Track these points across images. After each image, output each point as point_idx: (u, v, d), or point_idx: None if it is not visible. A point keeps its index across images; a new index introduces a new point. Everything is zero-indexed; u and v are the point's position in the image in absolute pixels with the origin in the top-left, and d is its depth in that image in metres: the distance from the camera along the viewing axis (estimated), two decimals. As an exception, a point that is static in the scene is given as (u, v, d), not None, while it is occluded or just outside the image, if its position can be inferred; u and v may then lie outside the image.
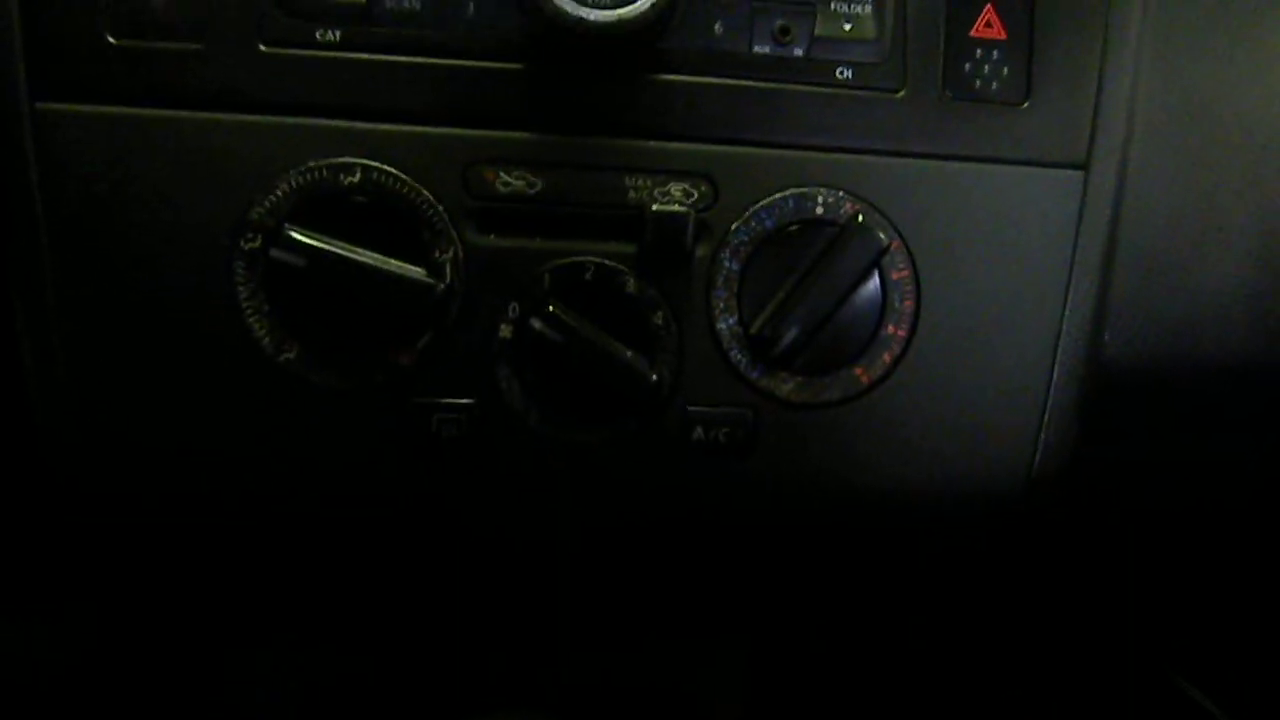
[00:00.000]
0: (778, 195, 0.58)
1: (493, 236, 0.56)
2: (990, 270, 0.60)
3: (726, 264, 0.58)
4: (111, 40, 0.53)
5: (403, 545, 0.82)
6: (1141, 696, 0.92)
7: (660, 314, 0.57)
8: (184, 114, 0.53)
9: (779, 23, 0.57)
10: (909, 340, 0.59)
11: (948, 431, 0.61)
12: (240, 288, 0.55)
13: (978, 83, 0.59)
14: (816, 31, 0.57)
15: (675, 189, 0.57)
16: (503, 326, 0.56)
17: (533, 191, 0.56)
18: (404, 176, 0.55)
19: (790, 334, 0.57)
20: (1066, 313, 0.61)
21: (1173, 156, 0.63)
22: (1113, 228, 0.61)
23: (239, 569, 0.87)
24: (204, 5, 0.53)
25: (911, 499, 0.61)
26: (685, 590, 0.81)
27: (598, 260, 0.57)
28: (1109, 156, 0.61)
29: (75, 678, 0.87)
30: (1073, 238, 0.60)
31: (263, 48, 0.54)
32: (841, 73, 0.57)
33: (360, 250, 0.54)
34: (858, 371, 0.59)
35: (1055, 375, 0.61)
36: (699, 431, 0.58)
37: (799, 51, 0.57)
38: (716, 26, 0.56)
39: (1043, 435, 0.61)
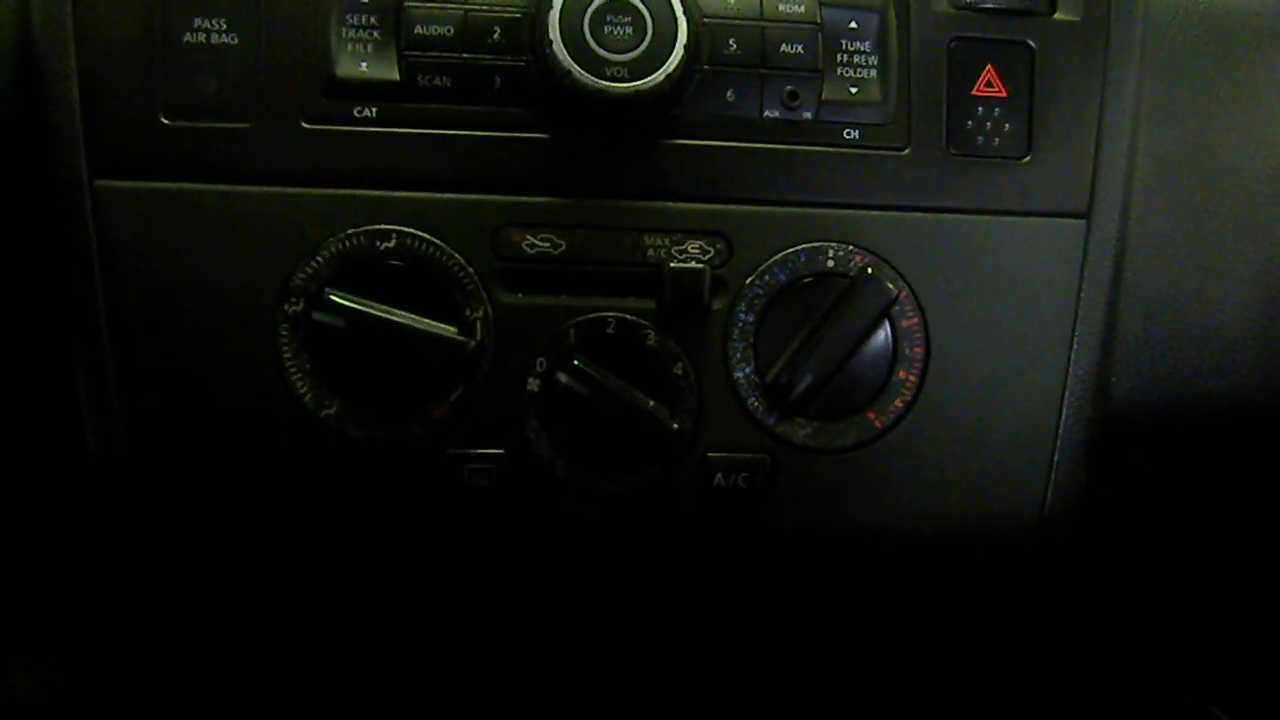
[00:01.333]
0: (790, 250, 0.60)
1: (520, 295, 0.59)
2: (997, 317, 0.62)
3: (742, 316, 0.60)
4: (165, 121, 0.57)
5: (432, 589, 0.84)
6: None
7: (680, 365, 0.60)
8: (232, 188, 0.57)
9: (788, 88, 0.60)
10: (920, 386, 0.62)
11: (960, 474, 0.63)
12: (284, 348, 0.58)
13: (980, 139, 0.61)
14: (824, 96, 0.60)
15: (692, 246, 0.60)
16: (531, 380, 0.59)
17: (557, 252, 0.59)
18: (436, 241, 0.58)
19: (805, 382, 0.59)
20: (1073, 357, 0.63)
21: (1175, 203, 0.65)
22: (1116, 273, 0.63)
23: (271, 615, 0.90)
24: (250, 88, 0.57)
25: (926, 540, 0.63)
26: (708, 632, 0.83)
27: (620, 315, 0.60)
28: (1110, 205, 0.63)
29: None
30: (1077, 284, 0.62)
31: (305, 125, 0.57)
32: (849, 134, 0.60)
33: (396, 311, 0.57)
34: (871, 416, 0.61)
35: (1064, 417, 0.63)
36: (719, 478, 0.61)
37: (808, 115, 0.60)
38: (728, 94, 0.59)
39: (1053, 476, 0.63)
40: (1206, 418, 0.66)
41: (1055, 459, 0.63)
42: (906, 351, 0.61)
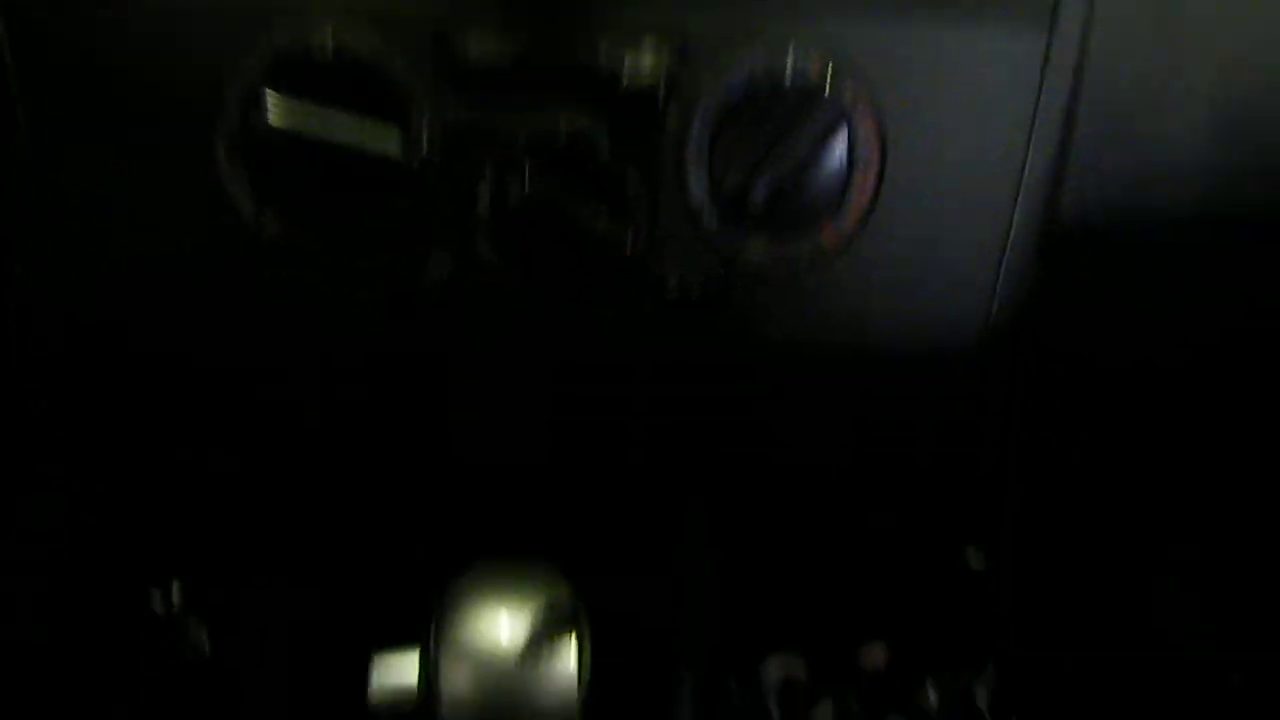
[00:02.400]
0: (747, 60, 0.58)
1: (467, 105, 0.57)
2: (954, 128, 0.61)
3: (697, 128, 0.59)
4: None
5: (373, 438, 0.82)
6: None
7: (633, 180, 0.59)
8: None
9: (743, -120, 0.57)
10: (874, 198, 0.61)
11: (911, 285, 0.63)
12: (220, 162, 0.56)
13: (943, -59, 0.59)
14: (781, -110, 0.57)
15: (646, 57, 0.58)
16: (479, 194, 0.58)
17: (505, 61, 0.57)
18: (378, 47, 0.55)
19: (760, 195, 0.58)
20: (1026, 167, 0.62)
21: (1135, 17, 0.64)
22: (1075, 87, 0.63)
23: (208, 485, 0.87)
24: None
25: (876, 349, 0.65)
26: (649, 454, 0.82)
27: (570, 128, 0.58)
28: (1072, 17, 0.62)
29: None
30: (1035, 97, 0.62)
31: None
32: None
33: (337, 121, 0.55)
34: (825, 229, 0.61)
35: (1014, 228, 0.63)
36: (673, 290, 0.61)
37: (764, -89, 0.57)
38: (681, -114, 0.56)
39: (999, 286, 0.64)
40: (1151, 232, 0.67)
41: (1002, 268, 0.64)
42: (862, 165, 0.61)
